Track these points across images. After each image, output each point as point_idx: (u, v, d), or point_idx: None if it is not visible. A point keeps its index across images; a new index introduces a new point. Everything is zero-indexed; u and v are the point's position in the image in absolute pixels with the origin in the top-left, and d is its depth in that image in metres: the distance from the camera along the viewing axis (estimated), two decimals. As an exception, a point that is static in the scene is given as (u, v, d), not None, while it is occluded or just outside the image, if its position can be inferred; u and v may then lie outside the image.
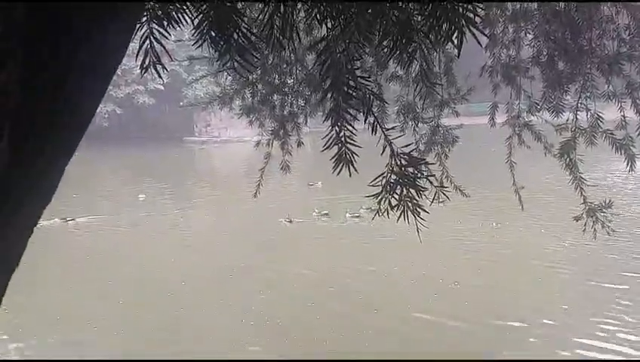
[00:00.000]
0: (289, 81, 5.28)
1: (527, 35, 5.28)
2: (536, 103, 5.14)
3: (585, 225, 4.75)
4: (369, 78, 5.30)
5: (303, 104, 5.52)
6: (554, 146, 5.18)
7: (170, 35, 1.91)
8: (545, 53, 4.99)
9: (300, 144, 5.71)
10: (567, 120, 4.87)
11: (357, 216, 16.40)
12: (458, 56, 1.78)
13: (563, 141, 4.78)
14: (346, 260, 13.71)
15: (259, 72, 5.10)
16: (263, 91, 5.35)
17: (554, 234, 13.98)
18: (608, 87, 4.79)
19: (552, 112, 4.98)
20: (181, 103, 44.49)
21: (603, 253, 12.53)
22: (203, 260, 14.54)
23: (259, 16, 1.95)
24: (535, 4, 5.09)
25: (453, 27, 1.73)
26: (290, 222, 17.66)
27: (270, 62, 5.05)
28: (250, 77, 5.16)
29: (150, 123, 46.97)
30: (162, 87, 42.69)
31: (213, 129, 48.23)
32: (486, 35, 1.97)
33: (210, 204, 22.51)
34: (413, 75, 3.76)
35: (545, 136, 5.50)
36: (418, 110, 5.76)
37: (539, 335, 9.61)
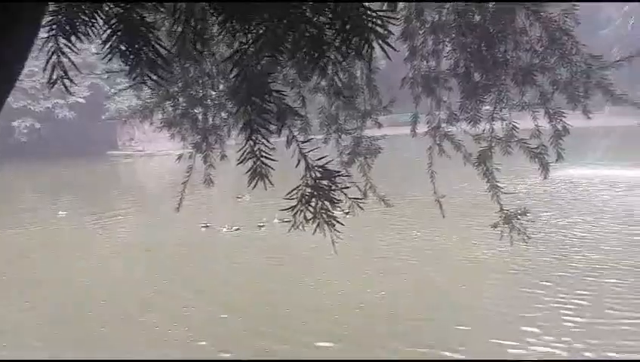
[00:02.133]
0: (211, 94, 5.25)
1: (445, 47, 5.41)
2: (455, 114, 5.25)
3: (502, 232, 4.88)
4: (292, 89, 5.36)
5: (225, 117, 5.49)
6: (472, 155, 5.30)
7: (77, 49, 1.87)
8: (462, 64, 5.11)
9: (223, 157, 5.67)
10: (484, 130, 5.00)
11: (264, 224, 16.51)
12: (369, 69, 1.81)
13: (480, 150, 4.90)
14: (267, 272, 13.69)
15: (180, 84, 5.05)
16: (184, 104, 5.30)
17: (474, 241, 14.28)
18: (522, 97, 4.94)
19: (470, 122, 5.11)
20: (103, 117, 43.62)
21: (521, 258, 12.90)
22: (124, 276, 14.25)
23: (170, 29, 1.93)
24: (452, 17, 5.22)
25: (363, 41, 1.75)
26: (206, 228, 17.75)
27: (191, 74, 5.01)
28: (170, 89, 5.10)
29: (72, 137, 45.76)
30: (83, 101, 41.73)
31: (137, 143, 47.38)
32: (394, 49, 2.00)
33: (133, 219, 22.09)
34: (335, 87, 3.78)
35: (464, 145, 5.62)
36: (341, 121, 5.83)
37: (462, 341, 9.78)
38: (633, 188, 21.96)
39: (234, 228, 17.92)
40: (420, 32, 5.59)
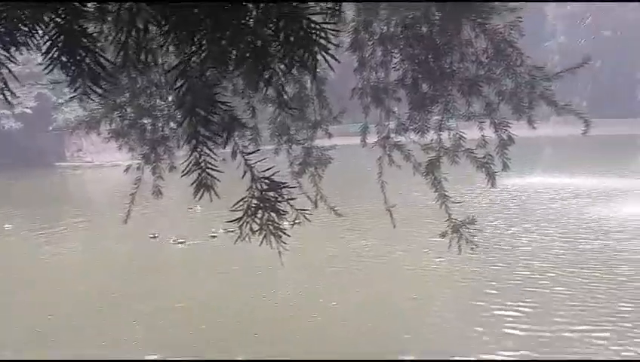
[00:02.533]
0: (160, 104, 5.19)
1: (394, 58, 5.46)
2: (403, 124, 5.30)
3: (450, 241, 4.93)
4: (243, 99, 5.34)
5: (174, 127, 5.44)
6: (422, 165, 5.36)
7: (17, 60, 1.83)
8: (409, 75, 5.17)
9: (172, 168, 5.61)
10: (432, 140, 5.06)
11: (216, 235, 16.43)
12: (313, 80, 1.82)
13: (428, 160, 4.96)
14: (217, 282, 13.59)
15: (127, 94, 4.99)
16: (132, 115, 5.23)
17: (424, 250, 14.42)
18: (469, 107, 5.01)
19: (418, 132, 5.16)
20: (50, 128, 42.78)
21: (469, 267, 13.07)
22: (71, 287, 13.97)
23: (112, 41, 1.90)
24: (400, 28, 5.28)
25: (307, 53, 1.76)
26: (155, 238, 17.55)
27: (139, 85, 4.95)
28: (118, 100, 5.04)
29: (19, 148, 44.75)
30: (30, 111, 40.89)
31: (86, 153, 46.61)
32: (337, 61, 2.01)
33: (81, 231, 21.70)
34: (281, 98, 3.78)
35: (414, 155, 5.67)
36: (292, 132, 5.83)
37: (411, 349, 9.85)
38: (578, 196, 22.49)
39: (182, 239, 17.75)
40: (369, 44, 5.65)
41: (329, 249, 15.65)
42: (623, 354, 9.24)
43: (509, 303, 11.36)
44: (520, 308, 11.04)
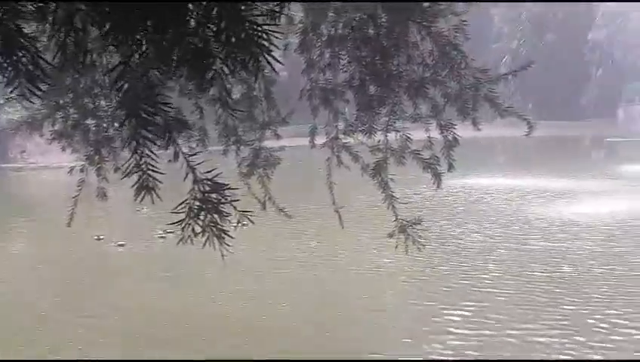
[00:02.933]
0: (103, 105, 5.12)
1: (342, 60, 5.50)
2: (351, 125, 5.34)
3: (397, 241, 4.99)
4: (190, 100, 5.30)
5: (119, 128, 5.38)
6: (370, 166, 5.40)
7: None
8: (357, 77, 5.21)
9: (117, 169, 5.53)
10: (379, 141, 5.12)
11: (165, 236, 16.29)
12: (257, 81, 1.81)
13: (375, 161, 5.01)
14: (164, 284, 13.44)
15: (70, 95, 4.91)
16: (76, 115, 5.15)
17: (373, 250, 14.46)
18: (415, 109, 5.08)
19: (366, 134, 5.21)
20: (-10, 128, 41.73)
21: (417, 267, 13.19)
22: (16, 289, 13.64)
23: (50, 40, 1.87)
24: (348, 30, 5.31)
25: (248, 55, 1.76)
26: (99, 240, 17.30)
27: (82, 85, 4.88)
28: (61, 101, 4.95)
29: (-41, 149, 43.49)
30: (-29, 111, 39.81)
31: (30, 155, 45.54)
32: (280, 63, 2.01)
33: (25, 233, 21.21)
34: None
35: (362, 156, 5.70)
36: (240, 133, 5.82)
37: (359, 350, 9.91)
38: (523, 197, 22.94)
39: (122, 242, 17.53)
40: (317, 45, 5.68)
41: (277, 250, 15.61)
42: (565, 352, 9.43)
43: (456, 303, 11.47)
44: (466, 308, 11.17)
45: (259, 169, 5.82)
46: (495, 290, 12.24)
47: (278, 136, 6.01)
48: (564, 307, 11.12)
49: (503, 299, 11.73)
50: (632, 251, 14.80)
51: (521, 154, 30.03)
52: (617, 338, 9.68)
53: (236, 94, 5.62)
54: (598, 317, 10.49)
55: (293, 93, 6.04)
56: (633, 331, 9.94)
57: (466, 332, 10.21)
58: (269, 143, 6.12)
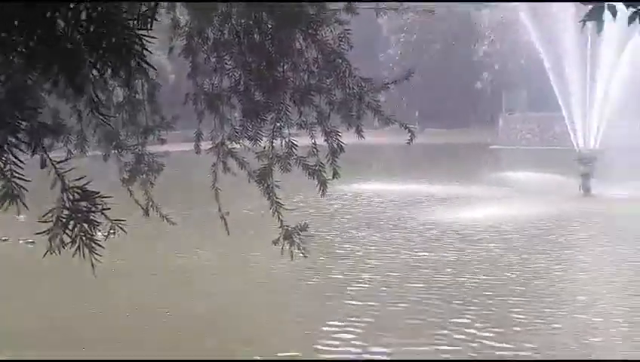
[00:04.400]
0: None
1: (227, 65, 5.45)
2: (237, 131, 5.30)
3: (283, 248, 4.98)
4: (67, 103, 5.09)
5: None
6: (256, 173, 5.37)
7: None
8: (242, 83, 5.18)
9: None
10: (265, 147, 5.10)
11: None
12: (128, 86, 1.76)
13: (260, 168, 4.99)
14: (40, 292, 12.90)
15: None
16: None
17: (260, 257, 14.36)
18: (301, 116, 5.10)
19: (251, 140, 5.18)
20: None
21: (304, 273, 13.25)
22: None
23: None
24: (233, 36, 5.28)
25: (120, 60, 1.71)
26: None
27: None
28: None
29: None
30: None
31: None
32: (153, 68, 1.97)
33: None
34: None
35: (248, 163, 5.66)
36: (121, 138, 5.65)
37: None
38: (409, 202, 23.57)
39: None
40: (203, 50, 5.60)
41: (163, 258, 15.30)
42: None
43: (350, 311, 11.57)
44: (361, 318, 11.27)
45: (141, 175, 5.66)
46: (393, 296, 12.40)
47: (162, 141, 5.87)
48: (464, 316, 11.33)
49: (402, 306, 11.88)
50: (505, 255, 15.47)
51: (407, 161, 30.79)
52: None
53: (119, 97, 5.47)
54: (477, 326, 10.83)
55: (181, 97, 5.94)
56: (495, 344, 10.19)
57: (361, 340, 10.31)
58: (153, 148, 5.97)
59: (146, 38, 1.79)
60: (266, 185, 5.07)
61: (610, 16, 3.50)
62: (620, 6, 3.51)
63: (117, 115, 5.24)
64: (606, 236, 17.83)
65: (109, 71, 1.73)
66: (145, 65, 1.74)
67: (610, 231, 18.19)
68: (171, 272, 14.32)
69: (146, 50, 1.69)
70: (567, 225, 19.18)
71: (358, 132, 5.16)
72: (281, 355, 9.83)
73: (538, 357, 9.75)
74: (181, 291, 12.95)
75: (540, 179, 28.66)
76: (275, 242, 5.00)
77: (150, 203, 5.71)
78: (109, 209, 1.95)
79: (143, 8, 1.77)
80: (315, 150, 5.12)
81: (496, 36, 52.00)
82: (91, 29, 1.65)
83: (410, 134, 5.27)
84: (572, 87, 27.13)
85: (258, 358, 9.74)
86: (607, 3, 3.40)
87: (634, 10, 3.38)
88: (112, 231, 2.11)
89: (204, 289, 13.07)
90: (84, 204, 1.87)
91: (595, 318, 11.20)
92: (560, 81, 27.65)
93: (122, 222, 2.07)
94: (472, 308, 11.61)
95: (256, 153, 5.28)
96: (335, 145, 5.11)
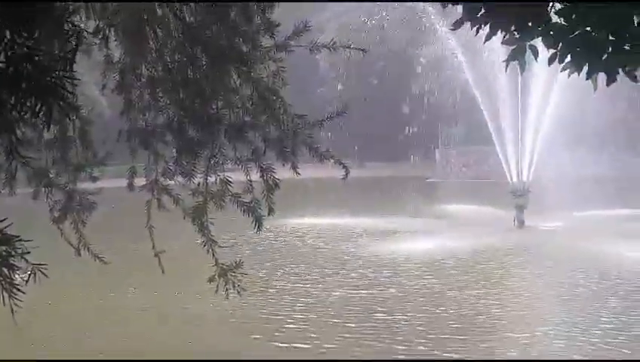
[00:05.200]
0: None
1: (161, 102, 5.42)
2: (170, 168, 5.25)
3: (217, 286, 4.92)
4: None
5: None
6: (191, 210, 5.31)
7: None
8: (176, 120, 5.16)
9: None
10: (200, 184, 5.07)
11: None
12: (46, 129, 1.73)
13: (194, 205, 4.95)
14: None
15: None
16: None
17: (196, 295, 14.09)
18: (235, 153, 5.10)
19: (185, 177, 5.15)
20: None
21: (239, 311, 13.10)
22: None
23: None
24: (167, 72, 5.26)
25: (41, 102, 1.68)
26: None
27: None
28: None
29: None
30: None
31: None
32: (77, 111, 1.94)
33: None
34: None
35: (183, 199, 5.60)
36: (51, 175, 5.53)
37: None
38: (341, 233, 23.66)
39: None
40: (136, 86, 5.57)
41: (94, 298, 14.91)
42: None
43: (276, 353, 11.41)
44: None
45: (73, 213, 5.53)
46: (326, 333, 12.35)
47: (94, 179, 5.76)
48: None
49: (337, 342, 11.80)
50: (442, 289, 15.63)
51: (344, 195, 30.94)
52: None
53: (50, 133, 5.37)
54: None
55: (116, 132, 5.86)
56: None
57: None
58: (87, 185, 5.85)
59: (70, 78, 1.76)
60: (200, 222, 5.03)
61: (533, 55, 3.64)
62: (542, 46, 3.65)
63: (48, 151, 5.12)
64: (539, 267, 18.20)
65: (29, 113, 1.69)
66: (68, 106, 1.70)
67: (544, 263, 18.58)
68: (103, 313, 13.96)
69: (68, 91, 1.66)
70: (502, 257, 19.50)
71: (294, 168, 5.18)
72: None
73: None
74: (109, 331, 12.62)
75: (475, 212, 29.21)
76: (210, 280, 4.94)
77: (82, 243, 5.58)
78: (29, 253, 1.89)
79: (66, 49, 1.75)
80: (250, 187, 5.12)
81: (433, 72, 53.13)
82: (10, 71, 1.61)
83: (345, 170, 5.30)
84: (504, 121, 27.88)
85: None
86: (528, 44, 3.54)
87: (553, 51, 3.51)
88: (31, 274, 2.04)
89: (135, 331, 12.75)
90: (3, 247, 1.81)
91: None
92: (493, 116, 28.39)
93: (43, 266, 2.01)
94: (406, 344, 11.64)
95: (191, 190, 5.24)
96: (271, 182, 5.11)
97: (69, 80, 1.69)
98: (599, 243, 20.21)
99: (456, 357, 10.09)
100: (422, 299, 14.65)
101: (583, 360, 9.74)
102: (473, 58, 29.37)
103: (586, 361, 9.73)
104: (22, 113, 1.72)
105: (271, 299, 14.78)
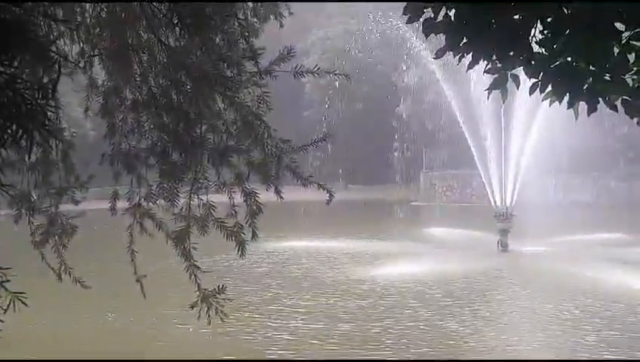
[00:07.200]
0: None
1: (144, 125, 5.41)
2: (153, 192, 5.23)
3: (200, 311, 4.88)
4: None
5: None
6: (174, 234, 5.27)
7: None
8: (160, 143, 5.14)
9: None
10: (183, 208, 5.04)
11: None
12: (28, 157, 1.72)
13: (177, 230, 4.92)
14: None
15: None
16: None
17: (178, 321, 13.94)
18: (219, 177, 5.08)
19: (169, 201, 5.12)
20: None
21: (224, 338, 12.96)
22: None
23: None
24: (151, 96, 5.26)
25: (22, 129, 1.67)
26: None
27: None
28: None
29: None
30: None
31: None
32: (56, 138, 1.93)
33: None
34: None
35: (166, 224, 5.57)
36: (33, 199, 5.48)
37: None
38: (324, 257, 23.59)
39: None
40: (120, 109, 5.56)
41: (74, 324, 14.70)
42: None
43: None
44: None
45: (54, 237, 5.48)
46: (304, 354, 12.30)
47: (76, 202, 5.71)
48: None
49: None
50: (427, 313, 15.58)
51: (329, 218, 30.92)
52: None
53: (32, 157, 5.33)
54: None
55: (99, 154, 5.83)
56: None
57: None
58: (70, 207, 5.81)
59: (51, 106, 1.75)
60: (182, 247, 5.00)
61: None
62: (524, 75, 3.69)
63: (30, 174, 5.09)
64: (524, 291, 18.21)
65: (9, 140, 1.68)
66: (49, 134, 1.70)
67: (528, 287, 18.59)
68: (82, 339, 13.78)
69: (49, 119, 1.66)
70: (485, 281, 19.51)
71: (277, 192, 5.18)
72: None
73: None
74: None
75: (459, 235, 29.27)
76: (193, 305, 4.90)
77: (63, 267, 5.52)
78: (9, 281, 1.87)
79: (46, 78, 1.75)
80: (233, 211, 5.09)
81: (417, 97, 53.55)
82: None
83: (328, 194, 5.29)
84: (488, 145, 28.08)
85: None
86: (509, 73, 3.58)
87: (534, 80, 3.55)
88: (10, 303, 2.02)
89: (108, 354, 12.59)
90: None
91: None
92: (476, 140, 28.59)
93: (22, 295, 1.99)
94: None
95: (174, 214, 5.22)
96: (254, 207, 5.09)
97: (50, 108, 1.69)
98: (583, 268, 20.32)
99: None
100: (405, 323, 14.59)
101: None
102: (457, 82, 29.65)
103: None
104: (3, 139, 1.71)
105: (252, 323, 14.62)
